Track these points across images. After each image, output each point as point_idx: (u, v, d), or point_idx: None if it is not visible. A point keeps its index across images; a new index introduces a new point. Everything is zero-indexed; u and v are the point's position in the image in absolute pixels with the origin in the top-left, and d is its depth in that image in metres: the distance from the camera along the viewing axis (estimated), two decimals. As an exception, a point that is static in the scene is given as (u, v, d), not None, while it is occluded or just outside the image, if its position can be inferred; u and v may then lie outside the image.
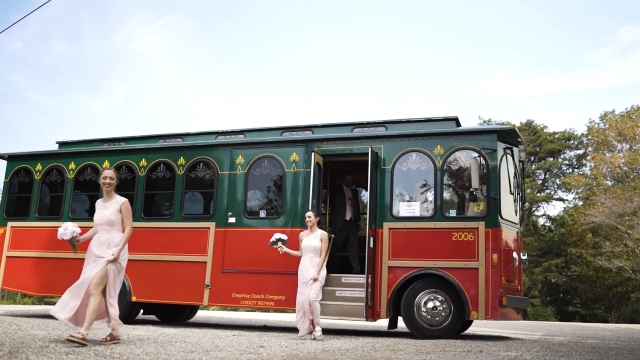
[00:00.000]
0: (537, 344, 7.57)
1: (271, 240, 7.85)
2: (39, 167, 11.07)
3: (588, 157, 37.91)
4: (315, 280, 7.49)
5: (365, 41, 74.37)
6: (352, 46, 75.77)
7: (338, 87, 77.02)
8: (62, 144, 11.69)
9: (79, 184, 10.75)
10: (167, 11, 76.60)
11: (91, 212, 10.56)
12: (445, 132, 8.68)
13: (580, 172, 38.94)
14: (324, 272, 7.73)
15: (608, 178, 35.22)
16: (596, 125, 37.00)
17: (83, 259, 8.84)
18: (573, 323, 27.04)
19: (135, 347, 5.66)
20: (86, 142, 11.46)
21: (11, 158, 11.45)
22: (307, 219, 7.99)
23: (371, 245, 8.42)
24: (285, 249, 7.80)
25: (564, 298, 38.30)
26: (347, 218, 9.80)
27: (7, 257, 10.81)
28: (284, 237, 7.82)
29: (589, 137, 37.63)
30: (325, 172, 9.80)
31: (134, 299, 9.61)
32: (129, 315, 9.73)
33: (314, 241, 7.81)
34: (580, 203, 37.21)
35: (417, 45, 73.10)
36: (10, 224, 10.99)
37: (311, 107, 73.14)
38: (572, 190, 38.43)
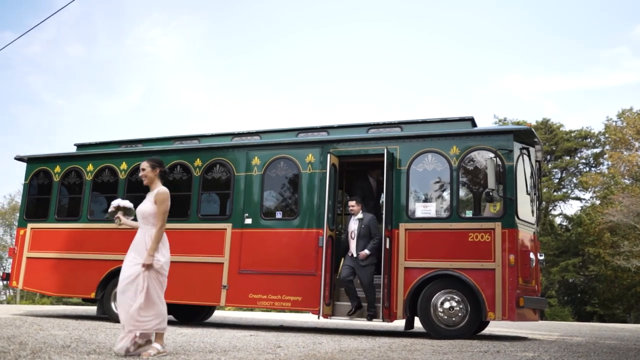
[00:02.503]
0: (554, 345, 7.53)
1: (110, 210, 5.76)
2: (57, 169, 11.22)
3: (605, 156, 37.51)
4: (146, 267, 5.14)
5: (381, 43, 74.25)
6: (367, 47, 75.69)
7: (353, 88, 76.97)
8: (80, 146, 11.82)
9: (97, 186, 10.87)
10: (180, 13, 77.06)
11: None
12: (461, 133, 8.66)
13: (598, 171, 38.56)
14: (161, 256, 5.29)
15: (626, 177, 34.82)
16: (614, 123, 36.60)
17: (102, 260, 9.08)
18: (591, 323, 26.78)
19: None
20: (103, 144, 11.58)
21: (30, 160, 11.61)
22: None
23: (387, 246, 8.43)
24: (124, 220, 5.70)
25: (582, 298, 37.95)
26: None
27: (27, 258, 10.97)
28: (128, 204, 5.74)
29: (607, 136, 37.23)
30: (341, 173, 9.81)
31: (152, 299, 9.68)
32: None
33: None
34: (598, 202, 36.83)
35: (431, 47, 72.85)
36: (30, 225, 11.15)
37: (325, 108, 73.16)
38: (589, 189, 38.05)
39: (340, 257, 9.10)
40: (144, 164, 5.47)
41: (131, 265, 5.19)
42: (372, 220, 8.69)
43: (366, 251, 8.50)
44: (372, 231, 8.59)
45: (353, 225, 8.75)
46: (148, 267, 5.09)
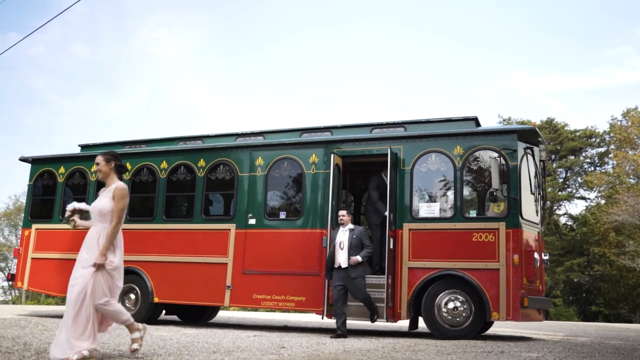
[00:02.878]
0: (559, 345, 7.51)
1: (66, 214, 5.57)
2: (62, 170, 11.25)
3: (610, 155, 37.38)
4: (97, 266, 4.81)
5: (384, 43, 74.18)
6: (370, 47, 75.63)
7: (356, 88, 76.94)
8: (84, 147, 11.85)
9: (101, 187, 10.75)
10: (184, 13, 77.15)
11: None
12: (465, 133, 8.64)
13: (603, 170, 38.44)
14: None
15: (631, 176, 34.69)
16: (619, 123, 36.48)
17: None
18: (596, 323, 26.71)
19: (158, 347, 5.74)
20: (108, 145, 11.60)
21: (35, 161, 11.64)
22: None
23: (391, 246, 8.42)
24: (79, 222, 5.44)
25: (587, 298, 37.84)
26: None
27: (32, 258, 11.01)
28: (85, 207, 5.55)
29: (611, 135, 37.11)
30: (345, 173, 9.81)
31: (156, 300, 9.72)
32: (151, 316, 9.86)
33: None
34: (603, 201, 36.71)
35: (435, 47, 72.75)
36: (34, 226, 11.18)
37: (329, 109, 73.15)
38: (594, 189, 37.93)
39: (328, 271, 8.27)
40: (98, 158, 5.20)
41: (81, 267, 4.79)
42: (364, 232, 8.35)
43: (358, 257, 8.01)
44: (363, 242, 8.20)
45: (342, 236, 8.23)
46: (99, 267, 4.70)
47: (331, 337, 7.88)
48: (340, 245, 8.19)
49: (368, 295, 8.22)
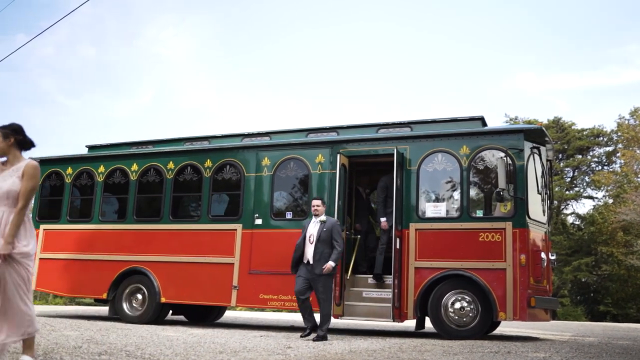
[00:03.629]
0: (566, 345, 7.49)
1: None
2: (69, 170, 11.30)
3: (618, 154, 37.18)
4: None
5: (391, 44, 74.10)
6: (377, 48, 75.57)
7: (363, 88, 76.91)
8: (91, 148, 11.90)
9: (108, 187, 10.94)
10: (190, 14, 77.35)
11: (121, 214, 10.80)
12: (471, 132, 8.62)
13: (610, 170, 38.22)
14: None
15: (639, 175, 34.52)
16: (626, 122, 36.29)
17: (114, 261, 8.94)
18: (604, 323, 26.58)
19: (165, 347, 5.76)
20: (115, 146, 11.65)
21: (43, 162, 11.68)
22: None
23: (397, 246, 8.42)
24: None
25: (595, 297, 37.63)
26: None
27: (40, 259, 11.06)
28: None
29: (619, 134, 36.91)
30: (351, 173, 9.81)
31: (163, 300, 9.75)
32: (158, 316, 9.90)
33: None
34: (611, 201, 36.53)
35: (441, 47, 72.60)
36: (42, 226, 11.24)
37: (335, 109, 73.16)
38: (602, 188, 37.76)
39: (296, 263, 7.81)
40: None
41: None
42: (336, 225, 7.75)
43: (331, 263, 7.47)
44: (334, 236, 7.60)
45: (313, 228, 7.74)
46: (5, 257, 4.03)
47: (301, 337, 7.63)
48: (310, 239, 7.70)
49: (330, 300, 7.66)
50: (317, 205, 7.80)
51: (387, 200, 9.23)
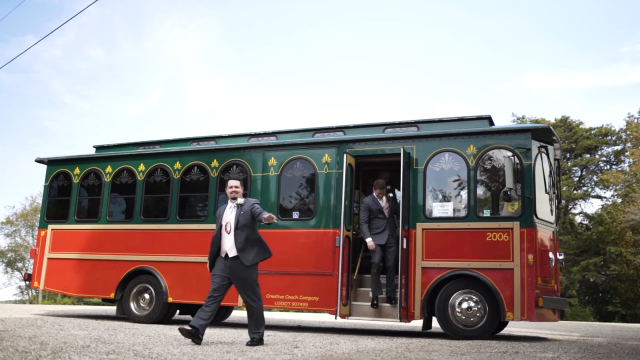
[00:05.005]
0: (575, 345, 7.45)
1: None
2: (77, 170, 11.35)
3: (627, 153, 36.97)
4: None
5: (397, 43, 73.98)
6: (383, 47, 75.46)
7: (368, 88, 76.82)
8: (98, 148, 11.95)
9: (115, 187, 10.98)
10: (198, 15, 77.47)
11: (128, 214, 10.84)
12: (478, 132, 8.59)
13: (619, 169, 38.01)
14: None
15: (648, 174, 34.31)
16: (635, 120, 36.08)
17: (122, 261, 9.01)
18: (613, 323, 26.44)
19: (172, 347, 5.76)
20: (122, 146, 11.69)
21: (51, 162, 11.76)
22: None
23: (404, 246, 8.40)
24: None
25: (603, 297, 37.43)
26: None
27: (48, 259, 11.12)
28: None
29: (628, 133, 36.71)
30: (358, 173, 9.80)
31: (170, 299, 9.78)
32: (165, 315, 9.93)
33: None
34: (619, 200, 36.33)
35: (449, 46, 72.38)
36: (50, 226, 11.29)
37: (341, 108, 73.12)
38: (610, 187, 37.54)
39: (214, 260, 6.69)
40: None
41: None
42: (255, 205, 6.56)
43: (269, 215, 6.28)
44: (254, 214, 6.45)
45: (229, 215, 6.56)
46: None
47: (179, 329, 6.30)
48: (226, 228, 6.55)
49: (260, 295, 6.56)
50: (236, 187, 6.63)
51: (370, 221, 8.99)
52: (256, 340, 6.32)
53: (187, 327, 6.13)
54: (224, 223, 6.59)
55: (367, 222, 9.03)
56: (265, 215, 6.32)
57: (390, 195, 9.30)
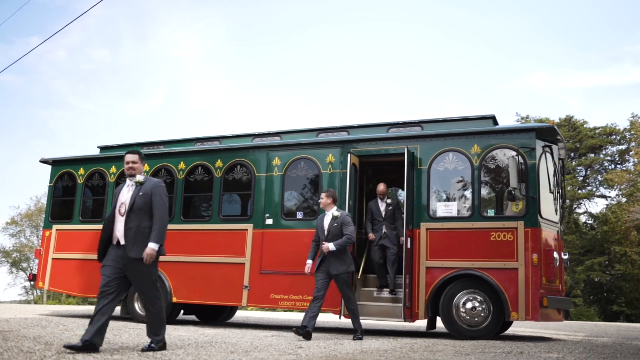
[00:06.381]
0: (580, 346, 7.43)
1: None
2: (81, 171, 11.37)
3: (631, 153, 36.84)
4: None
5: (401, 43, 73.95)
6: (388, 47, 75.42)
7: (369, 88, 76.82)
8: (103, 149, 11.97)
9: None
10: (202, 15, 77.58)
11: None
12: (483, 131, 8.58)
13: (624, 168, 37.87)
14: None
15: (653, 174, 34.19)
16: (639, 120, 35.93)
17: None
18: (618, 323, 26.36)
19: (176, 347, 5.77)
20: (126, 147, 11.68)
21: (55, 163, 11.79)
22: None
23: (409, 246, 8.39)
24: None
25: (608, 297, 37.30)
26: None
27: (53, 259, 11.15)
28: None
29: (632, 132, 36.57)
30: (362, 173, 9.79)
31: (174, 300, 9.79)
32: (170, 316, 9.93)
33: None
34: (624, 200, 36.20)
35: (452, 46, 72.30)
36: (55, 227, 11.33)
37: (345, 108, 73.10)
38: (615, 187, 37.41)
39: (104, 248, 5.64)
40: None
41: None
42: (159, 187, 5.59)
43: (152, 246, 5.33)
44: (155, 202, 5.47)
45: (126, 194, 5.57)
46: None
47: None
48: (119, 210, 5.54)
49: (160, 294, 5.62)
50: (134, 162, 5.66)
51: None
52: (153, 347, 5.36)
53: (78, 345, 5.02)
54: (119, 204, 5.54)
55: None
56: (147, 250, 5.36)
57: (388, 201, 9.66)
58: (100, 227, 10.71)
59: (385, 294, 9.00)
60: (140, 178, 5.58)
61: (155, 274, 5.56)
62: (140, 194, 5.47)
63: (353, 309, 7.65)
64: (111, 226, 5.50)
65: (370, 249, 9.53)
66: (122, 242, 5.39)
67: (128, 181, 5.62)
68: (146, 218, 5.43)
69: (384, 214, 9.52)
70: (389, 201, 9.61)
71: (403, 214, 8.88)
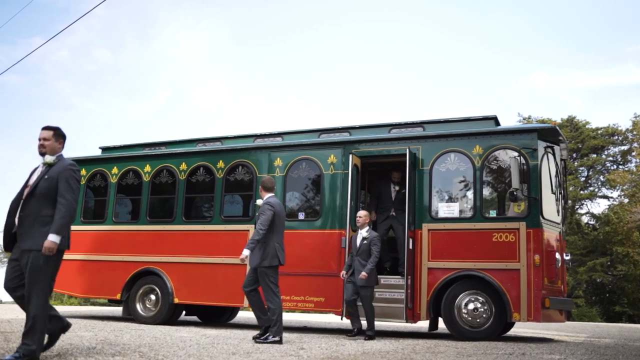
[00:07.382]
0: (581, 347, 7.41)
1: None
2: (83, 172, 11.35)
3: (633, 153, 36.78)
4: None
5: (403, 44, 73.92)
6: (390, 48, 75.42)
7: (369, 88, 76.83)
8: (105, 149, 11.97)
9: (121, 188, 11.00)
10: (204, 16, 77.66)
11: (134, 215, 10.86)
12: (484, 132, 8.56)
13: (626, 169, 37.80)
14: None
15: (655, 174, 34.12)
16: (641, 120, 35.88)
17: (128, 262, 8.92)
18: (620, 324, 26.32)
19: (178, 348, 5.77)
20: (128, 147, 11.70)
21: (57, 164, 11.77)
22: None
23: (410, 247, 8.38)
24: None
25: (610, 298, 37.24)
26: None
27: (54, 259, 11.13)
28: None
29: (634, 133, 36.51)
30: (363, 174, 9.78)
31: (176, 300, 9.78)
32: (171, 316, 9.94)
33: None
34: (626, 200, 36.13)
35: (454, 47, 72.29)
36: (57, 227, 11.30)
37: (347, 109, 73.11)
38: (617, 187, 37.35)
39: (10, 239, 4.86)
40: None
41: None
42: (68, 169, 4.80)
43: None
44: (60, 190, 4.70)
45: (34, 176, 4.90)
46: None
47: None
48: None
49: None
50: (45, 139, 4.94)
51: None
52: (20, 356, 4.43)
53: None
54: (28, 185, 4.86)
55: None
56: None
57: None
58: (101, 227, 10.85)
59: (387, 294, 8.92)
60: (49, 159, 4.81)
61: (51, 273, 4.64)
62: (46, 177, 4.72)
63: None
64: (16, 209, 4.74)
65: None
66: (15, 229, 4.68)
67: (41, 167, 4.89)
68: (48, 205, 4.67)
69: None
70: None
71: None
